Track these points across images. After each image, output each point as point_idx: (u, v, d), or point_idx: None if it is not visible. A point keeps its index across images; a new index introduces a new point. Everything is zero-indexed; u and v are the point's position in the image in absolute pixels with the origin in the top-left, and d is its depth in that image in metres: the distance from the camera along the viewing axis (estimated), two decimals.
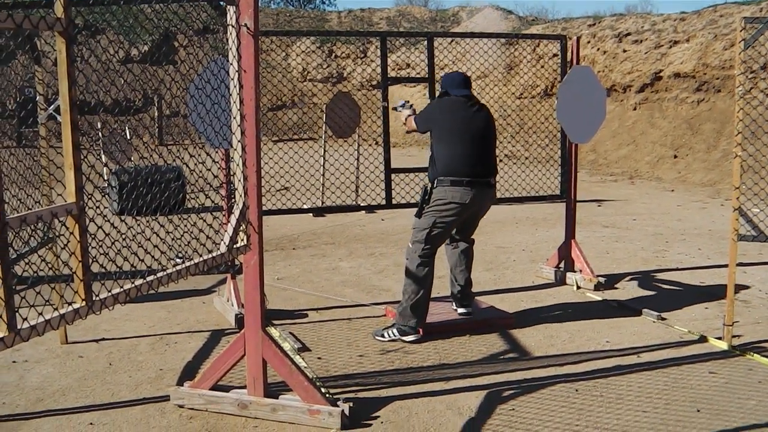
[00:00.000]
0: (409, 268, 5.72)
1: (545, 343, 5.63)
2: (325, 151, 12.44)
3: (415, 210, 5.84)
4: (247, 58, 4.10)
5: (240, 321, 5.73)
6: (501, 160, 14.02)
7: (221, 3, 4.55)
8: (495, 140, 5.99)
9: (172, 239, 3.99)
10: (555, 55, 20.04)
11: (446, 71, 7.65)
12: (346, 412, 4.18)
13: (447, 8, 38.86)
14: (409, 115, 6.18)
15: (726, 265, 5.69)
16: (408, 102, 6.39)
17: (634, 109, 19.20)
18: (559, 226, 7.56)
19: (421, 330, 5.70)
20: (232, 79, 4.17)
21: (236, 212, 4.22)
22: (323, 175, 12.22)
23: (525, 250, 8.83)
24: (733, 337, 5.55)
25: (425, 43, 7.97)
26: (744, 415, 4.33)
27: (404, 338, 5.65)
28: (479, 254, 8.46)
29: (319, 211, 9.93)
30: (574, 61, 7.37)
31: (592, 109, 7.11)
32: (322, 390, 4.50)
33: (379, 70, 8.43)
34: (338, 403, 4.24)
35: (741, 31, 5.94)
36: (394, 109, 6.50)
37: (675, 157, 16.71)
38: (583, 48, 21.47)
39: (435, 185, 5.72)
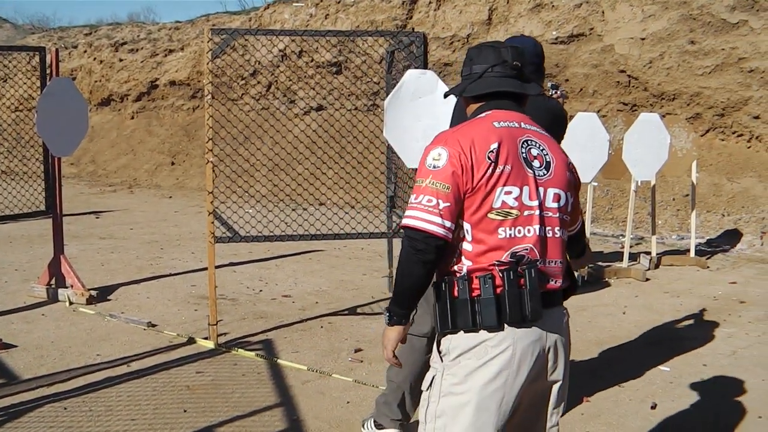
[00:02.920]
0: None
1: (35, 364, 5.44)
2: None
3: None
4: None
5: None
6: None
7: None
8: None
9: None
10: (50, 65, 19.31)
11: None
12: None
13: None
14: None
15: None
16: (560, 87, 4.79)
17: (132, 118, 19.30)
18: None
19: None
20: None
21: None
22: None
23: (18, 269, 8.41)
24: (219, 335, 5.90)
25: None
26: (228, 408, 4.67)
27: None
28: None
29: None
30: (54, 73, 7.24)
31: (75, 122, 7.05)
32: None
33: None
34: None
35: (208, 42, 6.34)
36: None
37: (173, 164, 17.14)
38: (80, 57, 21.05)
39: None
